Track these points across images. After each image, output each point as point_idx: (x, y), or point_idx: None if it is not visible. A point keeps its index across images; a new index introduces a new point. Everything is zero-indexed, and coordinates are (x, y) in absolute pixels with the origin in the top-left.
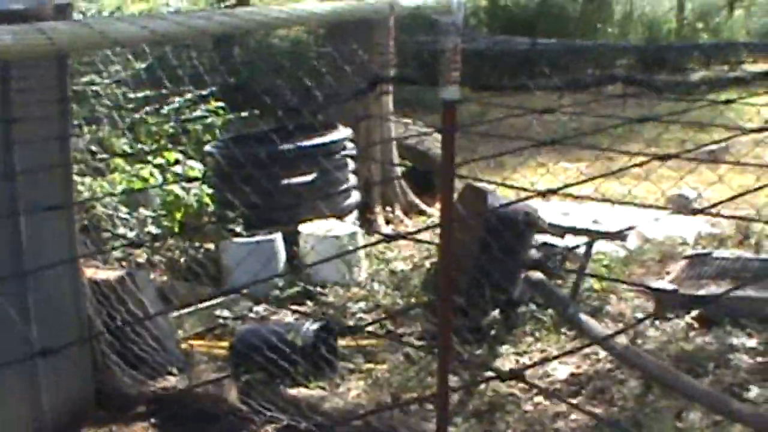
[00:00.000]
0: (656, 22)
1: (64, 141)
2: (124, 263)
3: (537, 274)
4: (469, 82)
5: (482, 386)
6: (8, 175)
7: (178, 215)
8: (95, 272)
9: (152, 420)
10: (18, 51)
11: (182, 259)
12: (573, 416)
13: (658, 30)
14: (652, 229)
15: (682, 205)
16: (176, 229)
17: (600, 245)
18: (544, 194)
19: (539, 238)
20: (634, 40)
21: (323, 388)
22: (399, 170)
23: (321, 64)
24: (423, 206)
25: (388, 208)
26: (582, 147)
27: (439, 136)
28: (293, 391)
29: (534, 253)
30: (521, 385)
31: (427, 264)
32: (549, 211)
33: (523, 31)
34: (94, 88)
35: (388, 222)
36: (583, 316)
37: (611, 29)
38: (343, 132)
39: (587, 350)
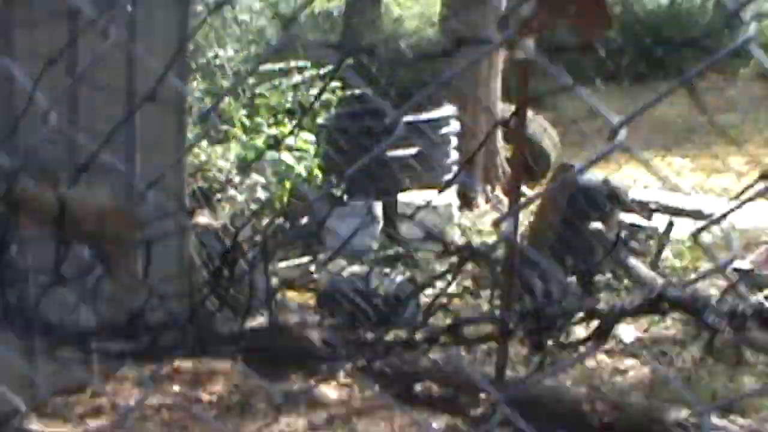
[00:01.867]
0: None
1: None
2: None
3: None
4: None
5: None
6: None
7: (288, 184)
8: (200, 218)
9: (240, 355)
10: None
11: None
12: (631, 373)
13: None
14: (743, 218)
15: None
16: (285, 197)
17: (688, 228)
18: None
19: (626, 217)
20: None
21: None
22: (503, 152)
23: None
24: (524, 189)
25: (488, 187)
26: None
27: (544, 125)
28: (371, 335)
29: (621, 232)
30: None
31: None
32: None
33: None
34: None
35: (486, 200)
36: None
37: None
38: (448, 109)
39: (655, 316)
